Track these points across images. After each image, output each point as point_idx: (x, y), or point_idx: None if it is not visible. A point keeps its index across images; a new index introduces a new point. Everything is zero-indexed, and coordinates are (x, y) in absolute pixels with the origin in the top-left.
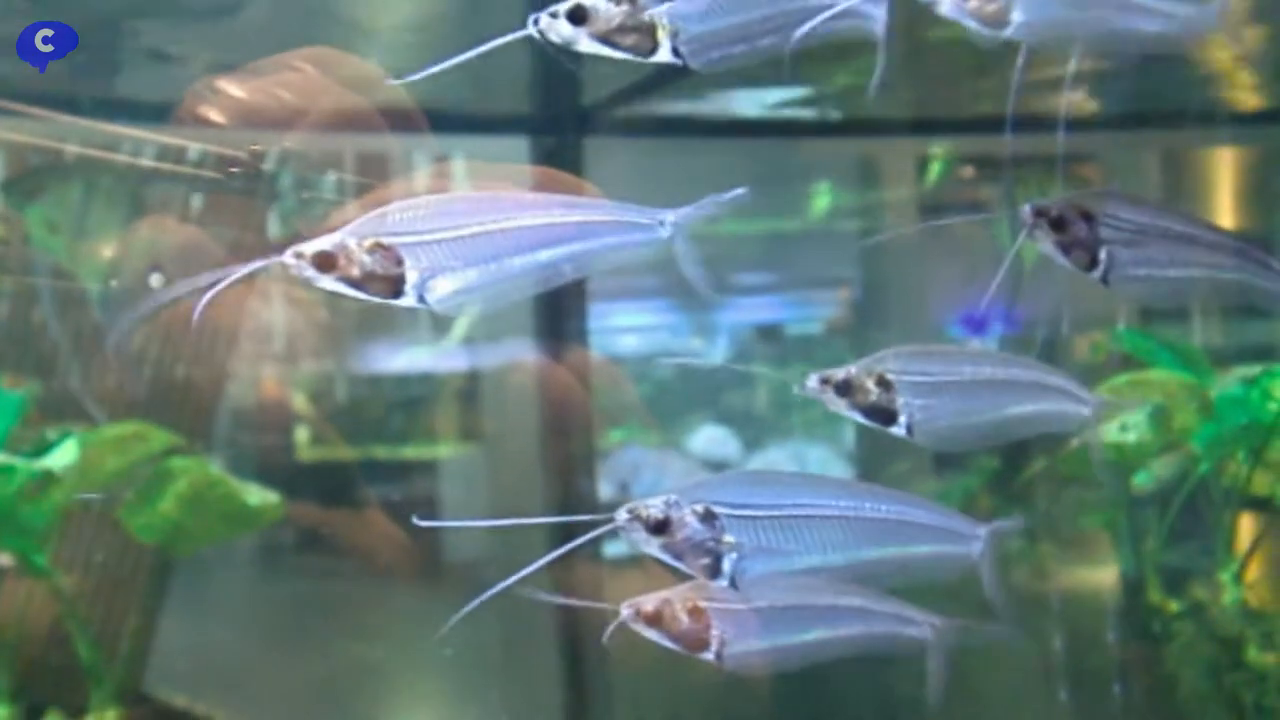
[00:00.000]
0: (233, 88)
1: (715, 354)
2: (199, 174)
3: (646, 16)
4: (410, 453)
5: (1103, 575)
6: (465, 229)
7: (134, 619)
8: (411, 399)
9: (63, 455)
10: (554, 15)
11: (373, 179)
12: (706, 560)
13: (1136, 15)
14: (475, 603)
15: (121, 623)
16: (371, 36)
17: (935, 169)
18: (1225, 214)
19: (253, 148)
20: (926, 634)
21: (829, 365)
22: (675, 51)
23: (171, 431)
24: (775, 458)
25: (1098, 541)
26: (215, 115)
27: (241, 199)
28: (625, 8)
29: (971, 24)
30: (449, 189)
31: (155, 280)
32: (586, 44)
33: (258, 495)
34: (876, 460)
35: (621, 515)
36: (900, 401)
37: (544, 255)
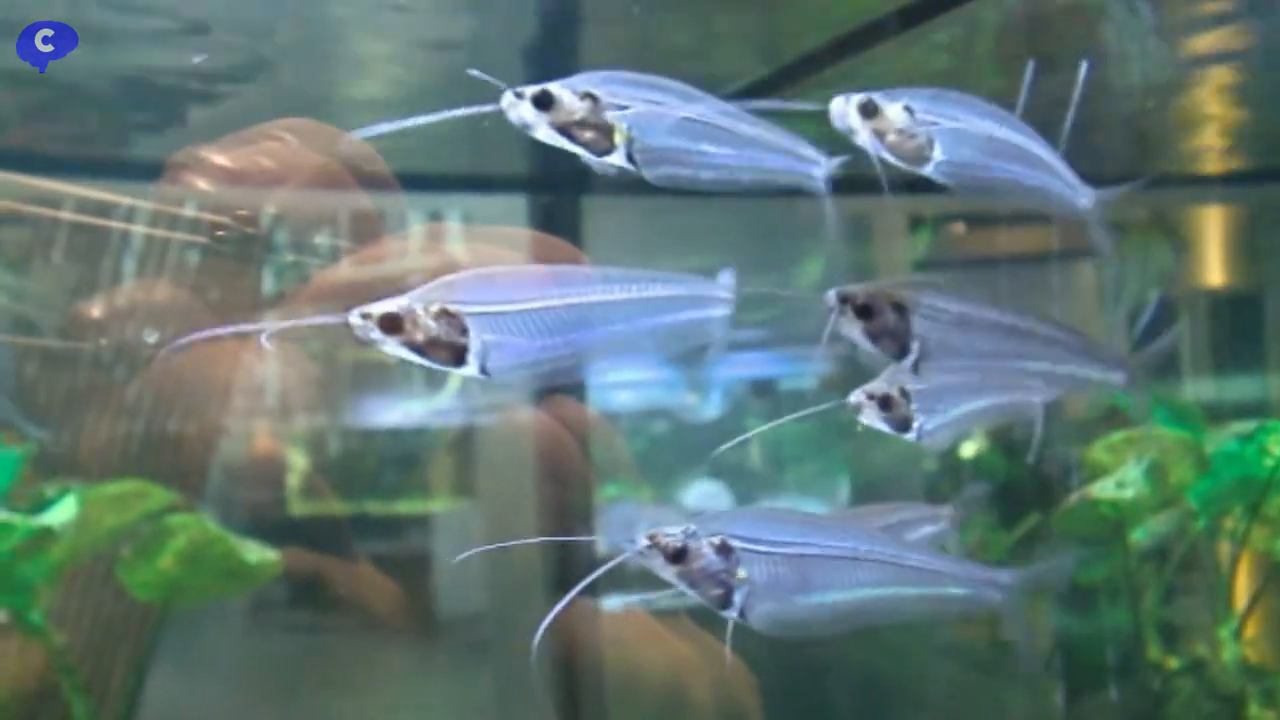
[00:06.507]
0: (216, 155)
1: (709, 410)
2: (189, 237)
3: (607, 118)
4: (404, 507)
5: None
6: (533, 302)
7: (125, 675)
8: (405, 453)
9: (62, 512)
10: (519, 96)
11: (365, 239)
12: (719, 591)
13: (1045, 174)
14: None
15: (111, 679)
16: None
17: (924, 235)
18: (1214, 270)
19: (239, 212)
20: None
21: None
22: (630, 158)
23: (164, 486)
24: None
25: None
26: (199, 182)
27: (231, 262)
28: (588, 104)
29: (889, 159)
30: (441, 249)
31: (150, 339)
32: (544, 131)
33: (257, 552)
34: None
35: (641, 542)
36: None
37: (610, 331)
